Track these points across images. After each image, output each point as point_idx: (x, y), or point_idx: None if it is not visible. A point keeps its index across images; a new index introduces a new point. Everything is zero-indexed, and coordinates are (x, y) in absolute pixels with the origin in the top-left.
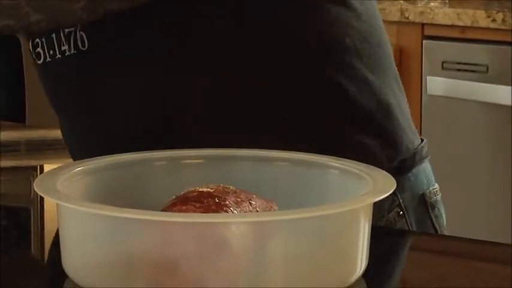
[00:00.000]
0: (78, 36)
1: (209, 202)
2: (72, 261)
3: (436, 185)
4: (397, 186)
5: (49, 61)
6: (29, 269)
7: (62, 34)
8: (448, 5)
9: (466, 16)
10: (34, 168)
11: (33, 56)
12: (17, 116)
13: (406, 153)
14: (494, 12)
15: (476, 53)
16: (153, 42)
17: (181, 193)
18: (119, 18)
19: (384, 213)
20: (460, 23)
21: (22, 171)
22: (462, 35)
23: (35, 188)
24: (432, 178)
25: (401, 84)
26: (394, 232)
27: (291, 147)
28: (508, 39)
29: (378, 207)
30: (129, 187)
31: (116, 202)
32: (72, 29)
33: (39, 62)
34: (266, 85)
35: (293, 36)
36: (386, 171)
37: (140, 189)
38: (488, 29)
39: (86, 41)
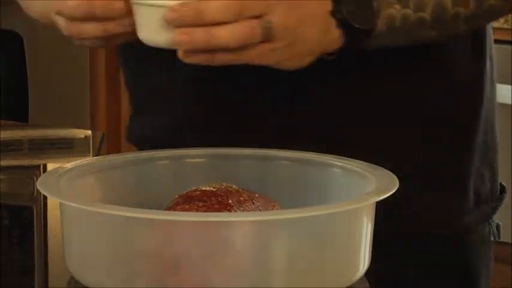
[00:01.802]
0: None
1: (212, 201)
2: (75, 260)
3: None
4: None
5: None
6: (32, 268)
7: None
8: None
9: None
10: (37, 167)
11: None
12: (19, 115)
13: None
14: None
15: None
16: None
17: (184, 192)
18: None
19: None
20: None
21: (25, 170)
22: None
23: (38, 187)
24: None
25: None
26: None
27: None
28: (509, 38)
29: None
30: (132, 186)
31: (118, 201)
32: None
33: None
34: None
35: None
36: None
37: (143, 188)
38: None
39: None
